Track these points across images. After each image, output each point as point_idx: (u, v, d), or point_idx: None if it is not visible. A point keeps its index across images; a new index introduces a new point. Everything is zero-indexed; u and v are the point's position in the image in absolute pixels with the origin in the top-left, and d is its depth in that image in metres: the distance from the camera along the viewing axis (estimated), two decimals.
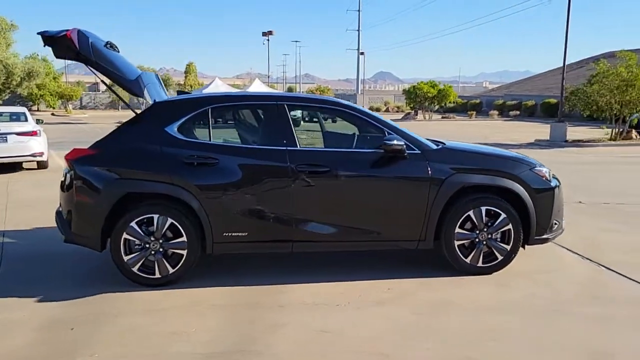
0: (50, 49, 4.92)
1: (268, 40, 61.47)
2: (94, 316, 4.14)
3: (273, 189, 4.77)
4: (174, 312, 4.22)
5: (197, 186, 4.67)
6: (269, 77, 71.12)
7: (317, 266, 5.27)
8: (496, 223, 4.93)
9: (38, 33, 4.84)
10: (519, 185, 4.94)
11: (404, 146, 4.80)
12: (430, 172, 4.85)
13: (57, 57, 4.93)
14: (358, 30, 72.28)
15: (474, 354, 3.52)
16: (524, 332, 3.83)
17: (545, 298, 4.48)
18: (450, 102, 41.73)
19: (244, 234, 4.79)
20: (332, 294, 4.57)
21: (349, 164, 4.85)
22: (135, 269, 4.72)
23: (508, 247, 4.97)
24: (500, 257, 4.99)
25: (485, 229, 4.93)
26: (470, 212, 4.90)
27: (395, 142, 4.75)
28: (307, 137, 6.12)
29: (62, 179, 4.96)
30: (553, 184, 5.13)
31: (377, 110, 57.27)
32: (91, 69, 4.91)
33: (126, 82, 4.91)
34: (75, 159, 4.76)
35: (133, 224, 4.67)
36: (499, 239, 4.97)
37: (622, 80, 20.44)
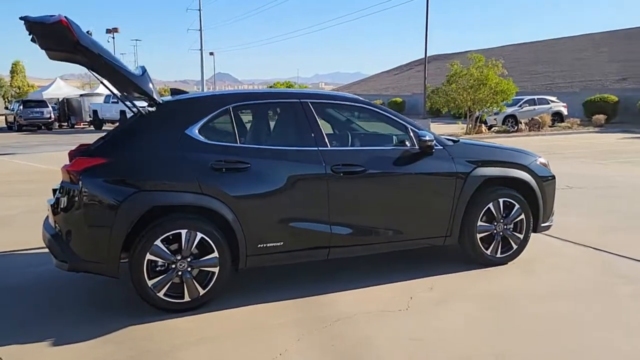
0: (30, 38, 4.05)
1: (113, 37, 57.30)
2: (146, 354, 3.48)
3: (308, 192, 4.44)
4: (238, 338, 3.71)
5: (230, 194, 4.17)
6: None
7: (338, 273, 5.00)
8: (511, 214, 5.10)
9: (21, 18, 3.94)
10: (529, 176, 5.17)
11: (434, 142, 4.77)
12: (455, 166, 4.87)
13: (45, 48, 4.05)
14: (200, 30, 70.39)
15: (579, 340, 3.59)
16: (597, 316, 3.99)
17: (577, 281, 4.75)
18: None
19: (279, 244, 4.39)
20: (382, 299, 4.36)
21: (381, 162, 4.68)
22: (161, 294, 4.08)
23: (521, 236, 5.18)
24: (515, 247, 5.18)
25: (501, 220, 5.08)
26: (490, 205, 5.02)
27: (427, 137, 4.69)
28: None
29: (59, 195, 4.12)
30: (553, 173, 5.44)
31: None
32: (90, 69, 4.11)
33: (134, 78, 4.19)
34: (82, 170, 3.97)
35: (158, 242, 4.03)
36: (512, 229, 5.15)
37: (475, 80, 22.57)
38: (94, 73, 4.84)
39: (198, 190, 4.11)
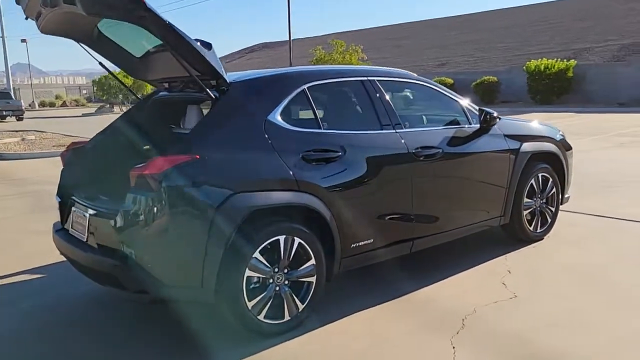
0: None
1: None
2: None
3: (396, 180, 3.97)
4: (394, 355, 3.15)
5: (326, 188, 3.54)
6: None
7: (406, 267, 4.56)
8: (547, 188, 5.11)
9: None
10: (558, 149, 5.22)
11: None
12: (507, 143, 4.73)
13: (94, 13, 3.00)
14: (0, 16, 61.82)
15: None
16: None
17: (619, 247, 4.87)
18: (147, 93, 39.99)
19: (369, 242, 3.85)
20: (477, 288, 4.06)
21: (452, 142, 4.34)
22: (262, 317, 3.33)
23: (553, 209, 5.23)
24: (549, 220, 5.21)
25: (539, 195, 5.07)
26: (532, 181, 4.97)
27: (495, 113, 4.49)
28: None
29: (132, 207, 3.11)
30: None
31: (52, 105, 51.08)
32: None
33: (206, 54, 3.31)
34: (165, 173, 3.03)
35: (257, 254, 3.27)
36: (545, 203, 5.17)
37: (339, 65, 23.01)
38: (96, 52, 3.92)
39: (295, 187, 3.41)
